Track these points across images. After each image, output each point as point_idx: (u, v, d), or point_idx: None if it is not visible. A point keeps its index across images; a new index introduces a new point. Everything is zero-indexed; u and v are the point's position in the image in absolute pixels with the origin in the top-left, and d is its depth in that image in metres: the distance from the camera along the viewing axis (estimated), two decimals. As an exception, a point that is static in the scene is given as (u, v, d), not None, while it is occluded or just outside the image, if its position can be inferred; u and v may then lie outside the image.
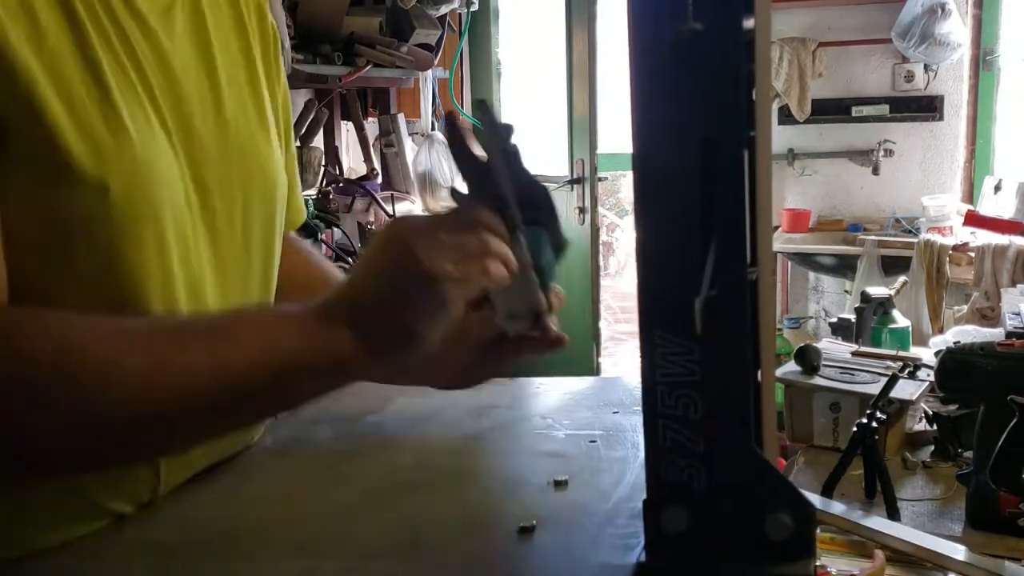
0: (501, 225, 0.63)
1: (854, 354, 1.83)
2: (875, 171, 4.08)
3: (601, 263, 3.67)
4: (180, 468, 0.73)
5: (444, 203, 3.64)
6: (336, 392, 0.65)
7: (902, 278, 2.86)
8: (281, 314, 0.66)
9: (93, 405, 0.57)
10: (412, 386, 0.84)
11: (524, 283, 0.65)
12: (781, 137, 4.16)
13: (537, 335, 0.70)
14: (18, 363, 0.56)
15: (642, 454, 0.71)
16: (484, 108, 0.64)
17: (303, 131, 3.17)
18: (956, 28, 3.71)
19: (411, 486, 0.71)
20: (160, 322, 0.66)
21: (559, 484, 0.68)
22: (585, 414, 0.89)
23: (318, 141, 3.28)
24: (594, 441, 0.80)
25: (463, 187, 0.66)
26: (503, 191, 0.63)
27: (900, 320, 2.10)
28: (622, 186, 7.65)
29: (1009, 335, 1.77)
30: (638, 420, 0.84)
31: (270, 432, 0.87)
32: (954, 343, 1.41)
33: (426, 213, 0.81)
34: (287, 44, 2.64)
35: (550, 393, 0.99)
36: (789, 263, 4.21)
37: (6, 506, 0.66)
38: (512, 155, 0.63)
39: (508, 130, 0.63)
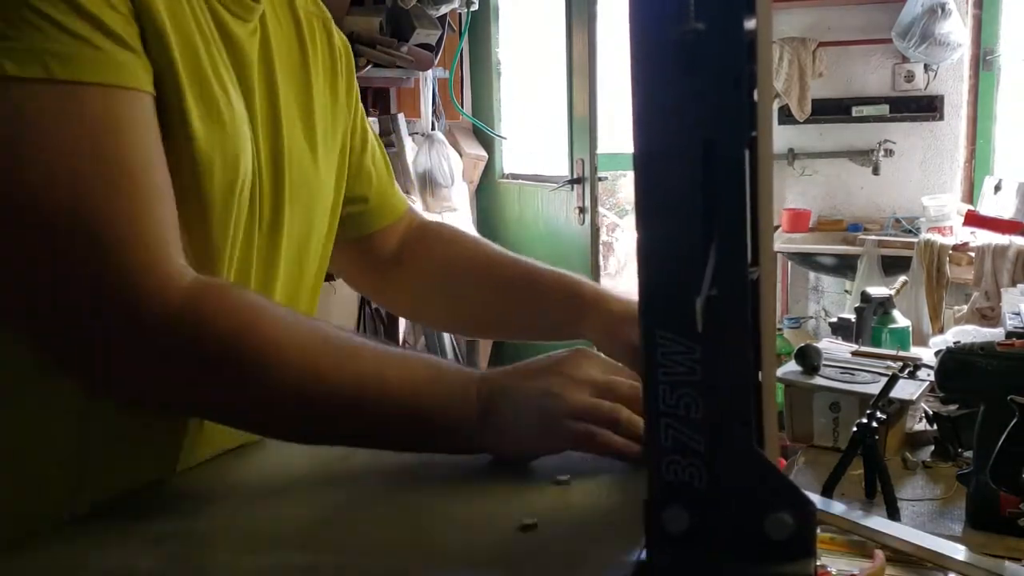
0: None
1: (854, 354, 1.83)
2: (875, 171, 4.09)
3: (601, 263, 3.67)
4: (201, 448, 0.77)
5: (444, 203, 3.65)
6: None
7: (902, 278, 2.86)
8: (441, 369, 0.73)
9: (257, 383, 0.67)
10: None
11: None
12: (781, 137, 4.16)
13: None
14: (201, 337, 0.65)
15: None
16: None
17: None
18: (956, 28, 3.72)
19: (412, 484, 0.71)
20: (338, 331, 0.73)
21: (560, 483, 0.68)
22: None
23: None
24: None
25: None
26: None
27: (900, 320, 2.10)
28: (621, 186, 7.65)
29: (1009, 335, 1.77)
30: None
31: None
32: (954, 343, 1.41)
33: (607, 359, 0.89)
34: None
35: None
36: (789, 263, 4.22)
37: (21, 477, 0.70)
38: None
39: None
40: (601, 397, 0.71)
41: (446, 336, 3.55)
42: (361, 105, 1.01)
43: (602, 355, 0.78)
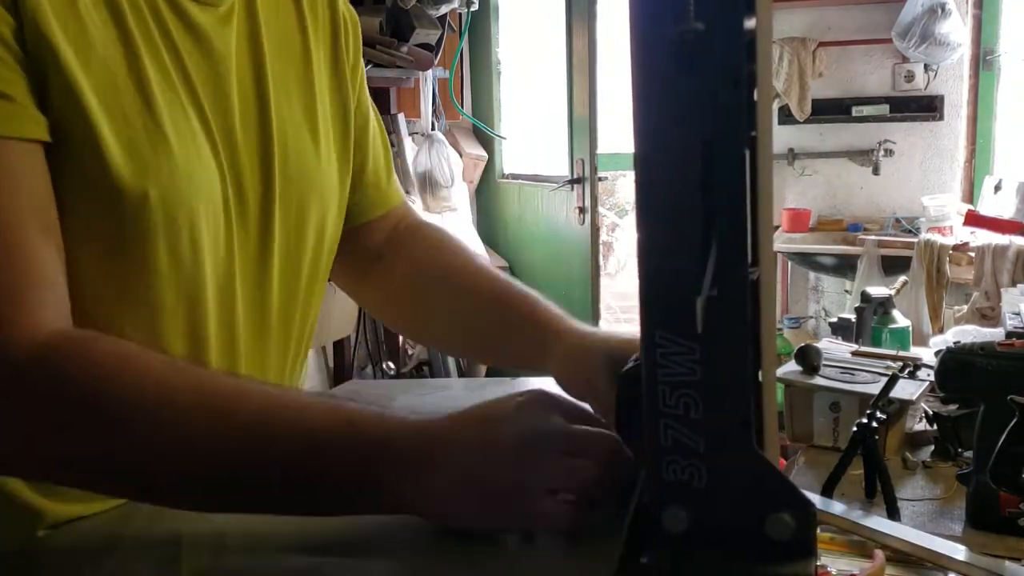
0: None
1: (854, 354, 1.83)
2: (875, 171, 4.08)
3: (601, 263, 3.67)
4: None
5: (444, 203, 3.65)
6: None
7: (902, 278, 2.86)
8: (354, 415, 0.62)
9: (110, 444, 0.58)
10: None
11: None
12: (781, 137, 4.16)
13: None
14: (52, 392, 0.58)
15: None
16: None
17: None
18: (956, 28, 3.71)
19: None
20: (223, 378, 0.65)
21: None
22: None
23: (318, 141, 3.28)
24: None
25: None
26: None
27: (900, 320, 2.10)
28: (621, 186, 7.66)
29: (1009, 335, 1.77)
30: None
31: None
32: (954, 343, 1.41)
33: (572, 401, 0.70)
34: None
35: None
36: (789, 263, 4.21)
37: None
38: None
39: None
40: (574, 454, 0.60)
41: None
42: (365, 83, 0.95)
43: (563, 395, 0.67)
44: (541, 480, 0.58)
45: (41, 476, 0.64)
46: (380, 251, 0.97)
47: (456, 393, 0.93)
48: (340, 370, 3.34)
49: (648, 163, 0.45)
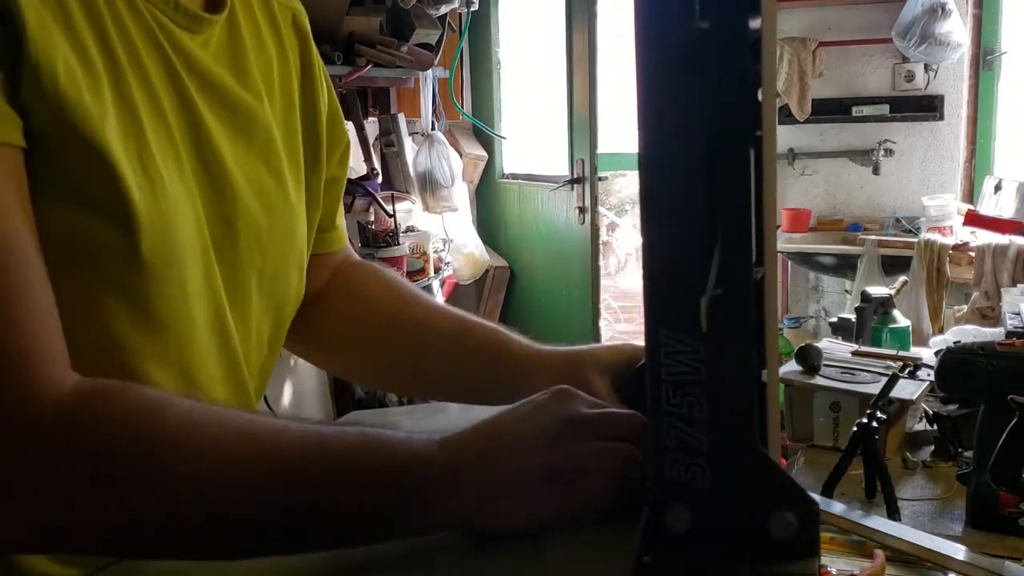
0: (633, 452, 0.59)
1: (854, 354, 1.83)
2: (875, 171, 4.09)
3: (601, 263, 3.67)
4: None
5: (444, 203, 3.65)
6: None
7: (902, 278, 2.87)
8: (391, 440, 0.60)
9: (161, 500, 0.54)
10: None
11: None
12: (781, 137, 4.16)
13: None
14: (85, 447, 0.53)
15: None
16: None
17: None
18: (956, 28, 3.72)
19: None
20: (252, 417, 0.60)
21: None
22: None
23: (318, 140, 3.28)
24: None
25: None
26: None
27: (900, 320, 2.10)
28: (621, 186, 7.66)
29: (1009, 335, 1.77)
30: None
31: None
32: (954, 343, 1.41)
33: (594, 401, 0.65)
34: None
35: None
36: (789, 263, 4.22)
37: None
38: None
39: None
40: (603, 438, 0.60)
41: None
42: (341, 117, 0.91)
43: (580, 392, 0.65)
44: (579, 464, 0.58)
45: (82, 545, 0.57)
46: (322, 289, 0.92)
47: (455, 414, 0.91)
48: (340, 370, 3.33)
49: (653, 162, 0.45)
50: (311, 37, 0.87)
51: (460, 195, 3.84)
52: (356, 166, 3.62)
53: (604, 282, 3.93)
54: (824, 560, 0.97)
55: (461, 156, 3.95)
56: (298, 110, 0.83)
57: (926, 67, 3.95)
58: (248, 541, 0.57)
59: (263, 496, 0.56)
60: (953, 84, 3.97)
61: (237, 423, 0.57)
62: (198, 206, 0.69)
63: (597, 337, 3.59)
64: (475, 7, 3.71)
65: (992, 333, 1.92)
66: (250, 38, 0.77)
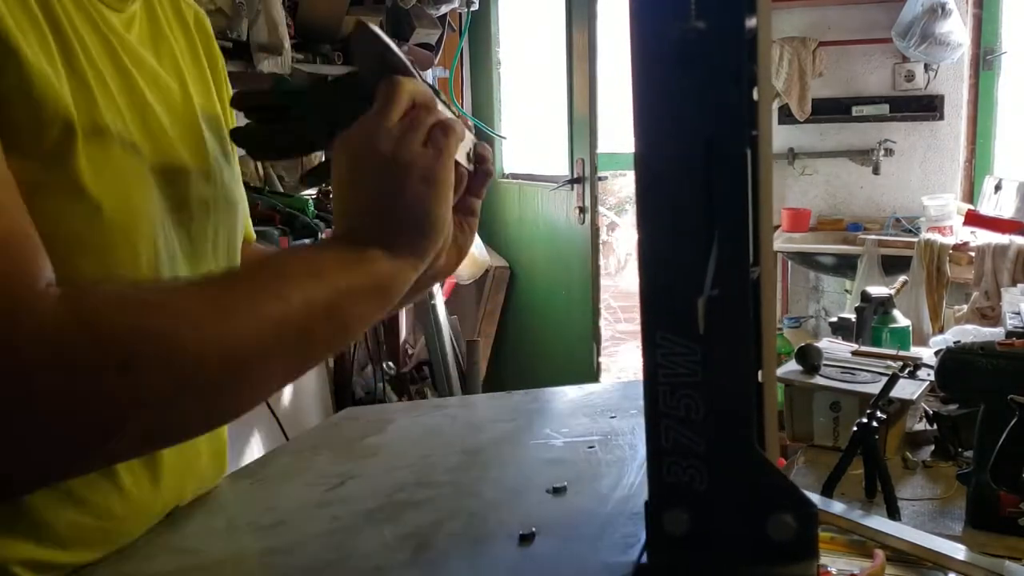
0: (428, 91, 0.68)
1: (854, 354, 1.83)
2: (875, 171, 4.08)
3: (601, 262, 3.67)
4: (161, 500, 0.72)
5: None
6: (382, 314, 0.66)
7: (902, 278, 2.86)
8: (317, 249, 0.70)
9: (182, 371, 0.54)
10: (440, 278, 0.83)
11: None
12: (781, 137, 4.16)
13: (485, 169, 0.75)
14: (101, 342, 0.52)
15: (640, 455, 0.71)
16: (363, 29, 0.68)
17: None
18: (956, 28, 3.71)
19: (412, 502, 0.71)
20: (214, 279, 0.65)
21: (558, 491, 0.68)
22: (583, 420, 0.89)
23: (318, 141, 3.28)
24: (592, 447, 0.79)
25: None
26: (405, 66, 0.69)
27: (900, 320, 2.10)
28: (620, 186, 7.66)
29: (1009, 335, 1.77)
30: (636, 422, 0.84)
31: (269, 460, 0.87)
32: (954, 343, 1.41)
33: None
34: (287, 44, 2.64)
35: (548, 404, 1.00)
36: (789, 263, 4.21)
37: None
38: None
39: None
40: (397, 124, 0.66)
41: (446, 336, 3.54)
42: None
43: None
44: (414, 149, 0.65)
45: (136, 446, 0.58)
46: None
47: (453, 412, 0.92)
48: (340, 370, 3.34)
49: (649, 162, 0.45)
50: (214, 37, 0.90)
51: (460, 195, 3.83)
52: (356, 166, 3.61)
53: (604, 282, 3.93)
54: (824, 560, 0.97)
55: (461, 156, 3.94)
56: (216, 101, 0.86)
57: (926, 67, 3.94)
58: (307, 343, 0.61)
59: (299, 296, 0.60)
60: (953, 84, 3.97)
61: (220, 275, 0.66)
62: (151, 181, 0.70)
63: (597, 337, 3.59)
64: (475, 7, 3.71)
65: (992, 333, 1.92)
66: (166, 27, 0.80)
